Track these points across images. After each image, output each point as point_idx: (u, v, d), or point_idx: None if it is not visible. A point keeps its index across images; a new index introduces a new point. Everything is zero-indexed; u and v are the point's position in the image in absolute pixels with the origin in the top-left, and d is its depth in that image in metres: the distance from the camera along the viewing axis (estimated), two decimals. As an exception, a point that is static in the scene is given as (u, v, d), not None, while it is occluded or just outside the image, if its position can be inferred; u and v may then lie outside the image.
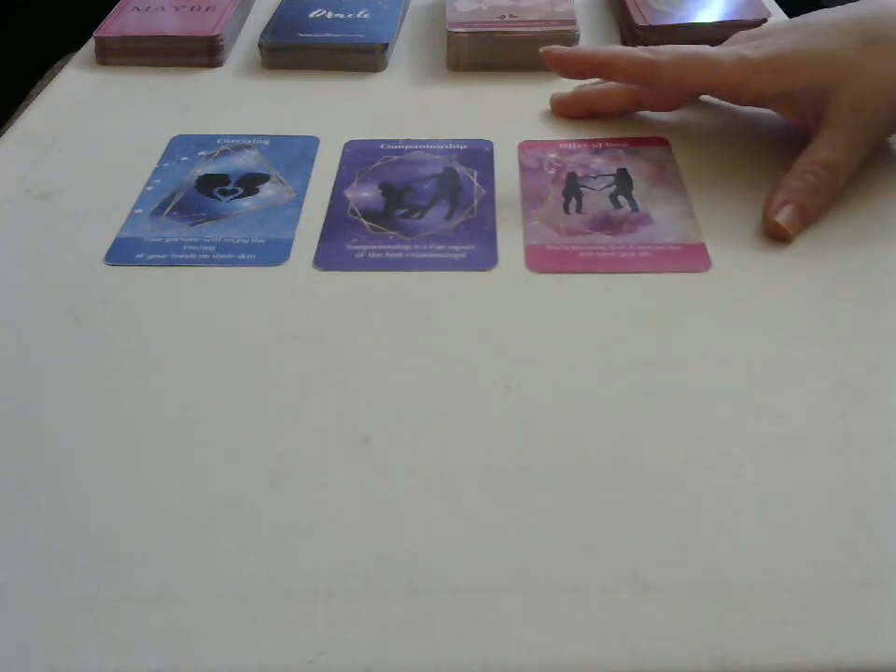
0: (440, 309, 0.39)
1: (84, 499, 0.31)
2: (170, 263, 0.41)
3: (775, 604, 0.27)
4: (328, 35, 0.58)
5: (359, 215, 0.44)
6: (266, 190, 0.46)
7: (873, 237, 0.42)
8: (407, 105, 0.54)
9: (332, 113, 0.53)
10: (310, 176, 0.47)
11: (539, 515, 0.30)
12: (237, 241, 0.43)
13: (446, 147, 0.49)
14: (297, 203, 0.45)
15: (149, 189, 0.47)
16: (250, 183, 0.47)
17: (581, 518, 0.30)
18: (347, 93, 0.55)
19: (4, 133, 0.55)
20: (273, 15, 0.61)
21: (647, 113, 0.52)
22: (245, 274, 0.41)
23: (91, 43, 0.60)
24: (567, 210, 0.44)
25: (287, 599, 0.28)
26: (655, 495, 0.31)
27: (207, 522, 0.30)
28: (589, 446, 0.33)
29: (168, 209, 0.45)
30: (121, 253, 0.42)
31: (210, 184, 0.47)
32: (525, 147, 0.49)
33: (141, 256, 0.42)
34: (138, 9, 0.61)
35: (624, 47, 0.49)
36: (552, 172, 0.47)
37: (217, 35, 0.58)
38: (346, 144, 0.50)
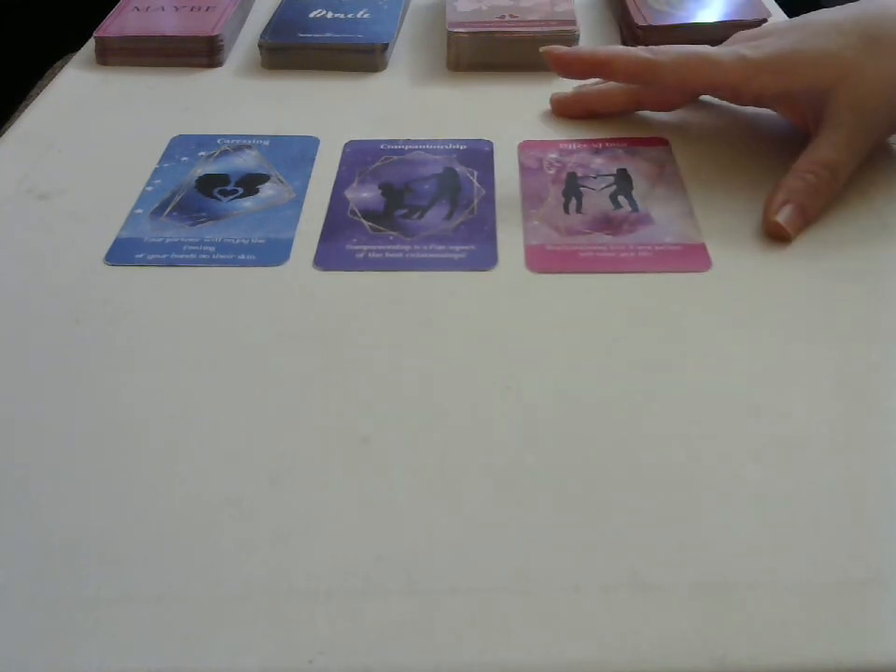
0: (440, 309, 0.39)
1: (84, 499, 0.31)
2: (170, 263, 0.41)
3: (775, 604, 0.27)
4: (328, 34, 0.58)
5: (359, 215, 0.44)
6: (266, 190, 0.46)
7: (873, 237, 0.42)
8: (407, 105, 0.54)
9: (332, 113, 0.53)
10: (310, 176, 0.47)
11: (539, 515, 0.30)
12: (237, 241, 0.43)
13: (446, 146, 0.49)
14: (297, 203, 0.45)
15: (149, 189, 0.47)
16: (250, 183, 0.47)
17: (581, 518, 0.30)
18: (347, 93, 0.55)
19: (4, 132, 0.55)
20: (273, 15, 0.61)
21: (647, 113, 0.52)
22: (245, 275, 0.41)
23: (91, 43, 0.60)
24: (566, 210, 0.44)
25: (287, 599, 0.28)
26: (655, 495, 0.31)
27: (207, 522, 0.30)
28: (589, 446, 0.33)
29: (168, 209, 0.45)
30: (121, 253, 0.42)
31: (210, 184, 0.47)
32: (524, 147, 0.49)
33: (141, 256, 0.42)
34: (138, 9, 0.61)
35: (625, 47, 0.49)
36: (552, 172, 0.47)
37: (216, 35, 0.58)
38: (346, 144, 0.50)
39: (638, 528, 0.30)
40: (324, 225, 0.44)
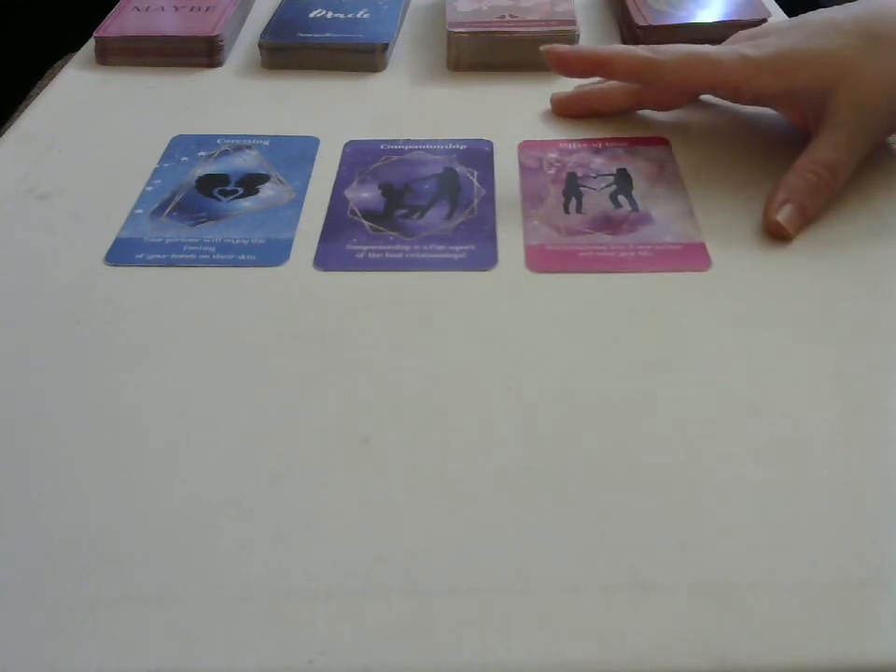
0: (440, 309, 0.39)
1: (84, 499, 0.31)
2: (170, 264, 0.41)
3: (775, 604, 0.27)
4: (328, 34, 0.58)
5: (359, 215, 0.44)
6: (266, 191, 0.46)
7: (873, 237, 0.42)
8: (407, 105, 0.54)
9: (332, 113, 0.53)
10: (310, 177, 0.47)
11: (539, 515, 0.30)
12: (237, 241, 0.43)
13: (446, 147, 0.49)
14: (297, 203, 0.45)
15: (149, 189, 0.47)
16: (250, 183, 0.47)
17: (581, 518, 0.30)
18: (347, 93, 0.55)
19: (4, 132, 0.55)
20: (273, 15, 0.61)
21: (647, 113, 0.52)
22: (245, 275, 0.41)
23: (91, 43, 0.60)
24: (566, 210, 0.44)
25: (287, 599, 0.28)
26: (655, 495, 0.31)
27: (207, 522, 0.30)
28: (589, 446, 0.33)
29: (168, 209, 0.45)
30: (121, 253, 0.42)
31: (210, 184, 0.47)
32: (524, 146, 0.49)
33: (141, 256, 0.42)
34: (138, 9, 0.61)
35: (625, 46, 0.49)
36: (552, 172, 0.47)
37: (216, 35, 0.58)
38: (346, 144, 0.50)
39: (638, 528, 0.30)
40: (324, 225, 0.44)
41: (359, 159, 0.48)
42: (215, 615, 0.28)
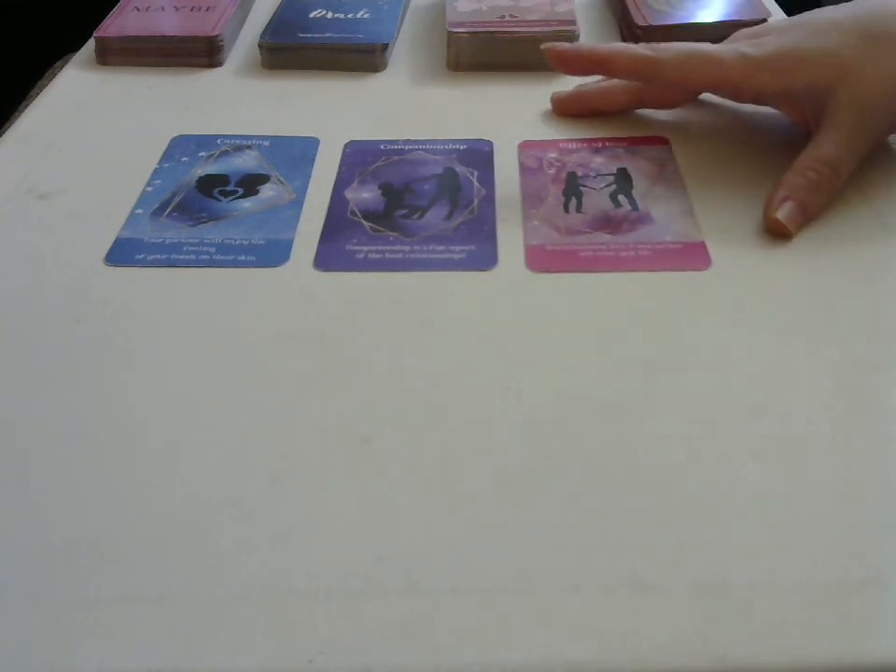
0: (440, 309, 0.39)
1: (84, 499, 0.31)
2: (170, 264, 0.41)
3: (775, 604, 0.27)
4: (328, 34, 0.58)
5: (359, 215, 0.44)
6: (266, 191, 0.46)
7: (873, 236, 0.42)
8: (407, 104, 0.54)
9: (332, 113, 0.53)
10: (310, 177, 0.47)
11: (539, 515, 0.30)
12: (237, 242, 0.43)
13: (446, 146, 0.49)
14: (297, 203, 0.45)
15: (149, 189, 0.47)
16: (250, 183, 0.47)
17: (581, 518, 0.30)
18: (347, 93, 0.55)
19: (4, 132, 0.55)
20: (273, 15, 0.61)
21: (647, 112, 0.52)
22: (246, 275, 0.41)
23: (91, 43, 0.60)
24: (566, 209, 0.44)
25: (287, 599, 0.28)
26: (655, 495, 0.31)
27: (207, 522, 0.30)
28: (589, 446, 0.33)
29: (168, 210, 0.45)
30: (121, 253, 0.42)
31: (210, 184, 0.47)
32: (524, 146, 0.49)
33: (141, 256, 0.42)
34: (138, 9, 0.61)
35: (625, 44, 0.49)
36: (552, 171, 0.47)
37: (217, 35, 0.58)
38: (346, 144, 0.50)
39: (638, 528, 0.30)
40: (324, 225, 0.44)
41: (359, 159, 0.48)
42: (215, 615, 0.28)
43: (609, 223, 0.43)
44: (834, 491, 0.31)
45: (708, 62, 0.46)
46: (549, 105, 0.53)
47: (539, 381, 0.35)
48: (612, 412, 0.34)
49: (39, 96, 0.56)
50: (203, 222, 0.44)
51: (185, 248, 0.42)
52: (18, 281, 0.41)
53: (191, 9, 0.61)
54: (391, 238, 0.43)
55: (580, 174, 0.47)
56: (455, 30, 0.57)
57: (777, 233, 0.42)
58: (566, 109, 0.52)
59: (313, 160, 0.49)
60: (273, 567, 0.29)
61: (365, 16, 0.61)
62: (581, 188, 0.46)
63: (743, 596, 0.28)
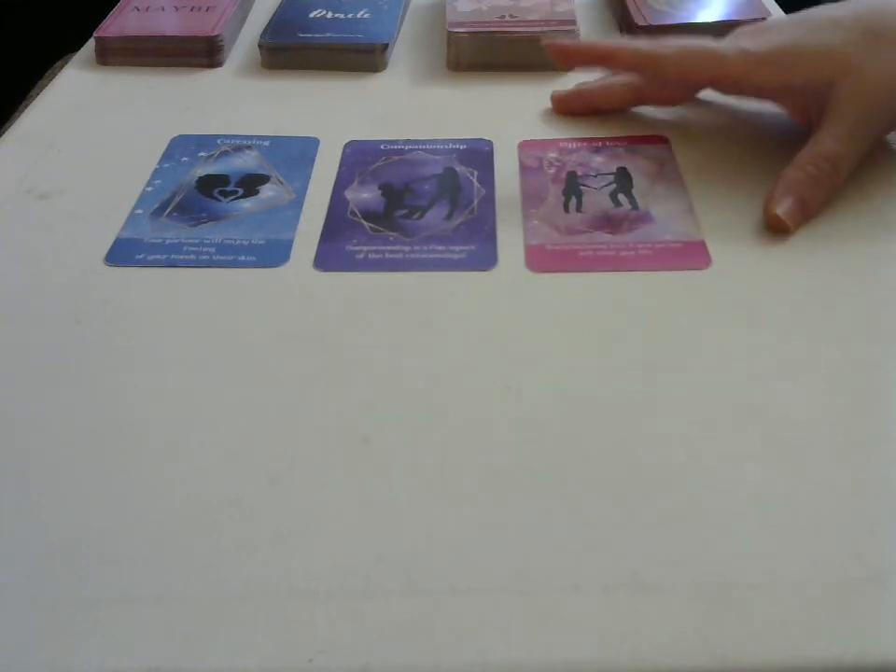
0: (440, 309, 0.39)
1: (84, 499, 0.31)
2: (170, 264, 0.41)
3: (775, 604, 0.27)
4: (328, 34, 0.58)
5: (359, 215, 0.44)
6: (266, 191, 0.46)
7: (873, 234, 0.42)
8: (407, 105, 0.54)
9: (332, 113, 0.53)
10: (310, 177, 0.47)
11: (539, 515, 0.30)
12: (237, 242, 0.43)
13: (446, 146, 0.49)
14: (297, 203, 0.45)
15: (149, 189, 0.47)
16: (250, 184, 0.47)
17: (581, 518, 0.30)
18: (347, 93, 0.55)
19: (4, 132, 0.55)
20: (273, 15, 0.61)
21: (646, 111, 0.52)
22: (246, 275, 0.41)
23: (91, 43, 0.60)
24: (566, 209, 0.44)
25: (287, 599, 0.28)
26: (655, 495, 0.31)
27: (207, 522, 0.30)
28: (589, 446, 0.33)
29: (168, 210, 0.45)
30: (121, 253, 0.42)
31: (210, 185, 0.47)
32: (524, 146, 0.49)
33: (141, 257, 0.42)
34: (138, 9, 0.61)
35: (627, 40, 0.49)
36: (552, 171, 0.47)
37: (217, 35, 0.58)
38: (346, 144, 0.50)
39: (638, 528, 0.30)
40: (324, 226, 0.44)
41: (359, 159, 0.48)
42: (215, 615, 0.28)
43: (608, 222, 0.43)
44: (834, 491, 0.31)
45: (709, 57, 0.46)
46: (549, 105, 0.53)
47: (539, 381, 0.35)
48: (612, 412, 0.34)
49: (39, 96, 0.56)
50: (203, 222, 0.44)
51: (185, 248, 0.42)
52: (18, 281, 0.41)
53: (191, 9, 0.61)
54: (391, 238, 0.43)
55: (580, 173, 0.47)
56: (455, 30, 0.57)
57: (776, 229, 0.42)
58: (566, 107, 0.52)
59: (313, 160, 0.49)
60: (273, 567, 0.29)
61: (365, 16, 0.61)
62: (581, 187, 0.46)
63: (743, 596, 0.28)
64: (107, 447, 0.33)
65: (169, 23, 0.60)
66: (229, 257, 0.42)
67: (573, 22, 0.57)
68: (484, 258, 0.41)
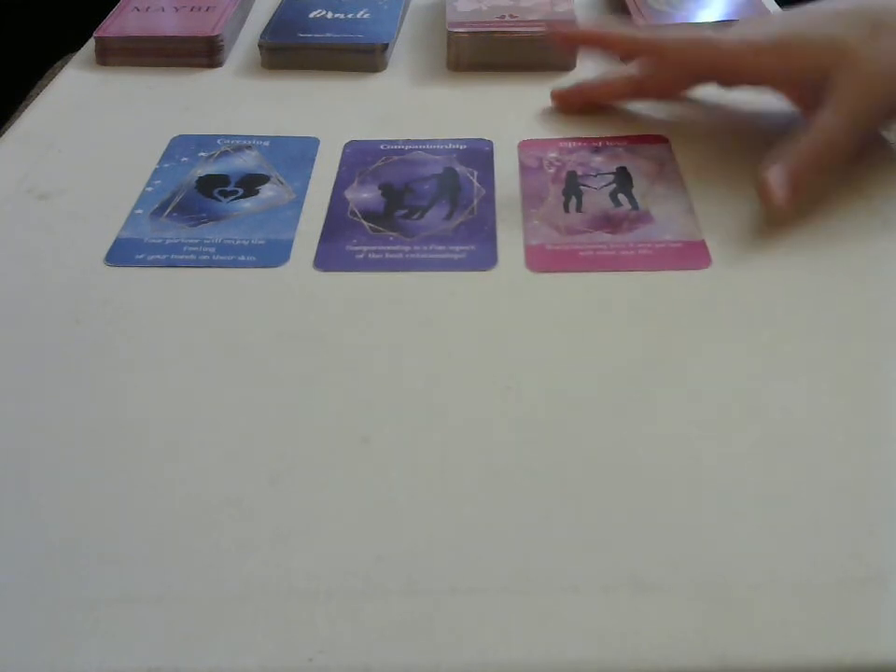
0: (440, 309, 0.39)
1: (84, 499, 0.31)
2: (170, 264, 0.41)
3: (775, 604, 0.27)
4: (328, 35, 0.58)
5: (359, 215, 0.44)
6: (266, 191, 0.46)
7: (872, 234, 0.42)
8: (407, 105, 0.54)
9: (332, 113, 0.53)
10: (310, 177, 0.47)
11: (539, 515, 0.30)
12: (237, 242, 0.43)
13: (446, 146, 0.49)
14: (297, 203, 0.45)
15: (149, 189, 0.47)
16: (250, 184, 0.47)
17: (581, 518, 0.30)
18: (347, 93, 0.55)
19: (4, 132, 0.55)
20: (273, 15, 0.61)
21: (646, 111, 0.52)
22: (246, 275, 0.41)
23: (91, 43, 0.60)
24: (566, 209, 0.44)
25: (287, 599, 0.28)
26: (655, 495, 0.31)
27: (207, 522, 0.30)
28: (589, 446, 0.33)
29: (168, 210, 0.45)
30: (121, 253, 0.42)
31: (210, 185, 0.47)
32: (524, 146, 0.49)
33: (141, 257, 0.42)
34: (138, 9, 0.61)
35: (627, 27, 0.49)
36: (552, 171, 0.47)
37: (217, 35, 0.58)
38: (346, 144, 0.50)
39: (638, 528, 0.30)
40: (324, 226, 0.44)
41: (359, 159, 0.48)
42: (215, 615, 0.28)
43: (608, 222, 0.43)
44: (834, 491, 0.31)
45: (709, 44, 0.46)
46: (549, 105, 0.52)
47: (538, 381, 0.35)
48: (612, 411, 0.34)
49: (39, 96, 0.56)
50: (203, 222, 0.44)
51: (185, 248, 0.42)
52: (18, 281, 0.41)
53: (191, 9, 0.61)
54: (391, 238, 0.43)
55: (580, 173, 0.47)
56: (455, 30, 0.57)
57: (765, 199, 0.41)
58: (566, 103, 0.52)
59: (313, 160, 0.49)
60: (273, 567, 0.29)
61: (365, 16, 0.61)
62: (581, 187, 0.46)
63: (743, 596, 0.28)
64: (107, 447, 0.33)
65: (169, 23, 0.60)
66: (229, 257, 0.42)
67: (573, 23, 0.57)
68: (484, 258, 0.41)
